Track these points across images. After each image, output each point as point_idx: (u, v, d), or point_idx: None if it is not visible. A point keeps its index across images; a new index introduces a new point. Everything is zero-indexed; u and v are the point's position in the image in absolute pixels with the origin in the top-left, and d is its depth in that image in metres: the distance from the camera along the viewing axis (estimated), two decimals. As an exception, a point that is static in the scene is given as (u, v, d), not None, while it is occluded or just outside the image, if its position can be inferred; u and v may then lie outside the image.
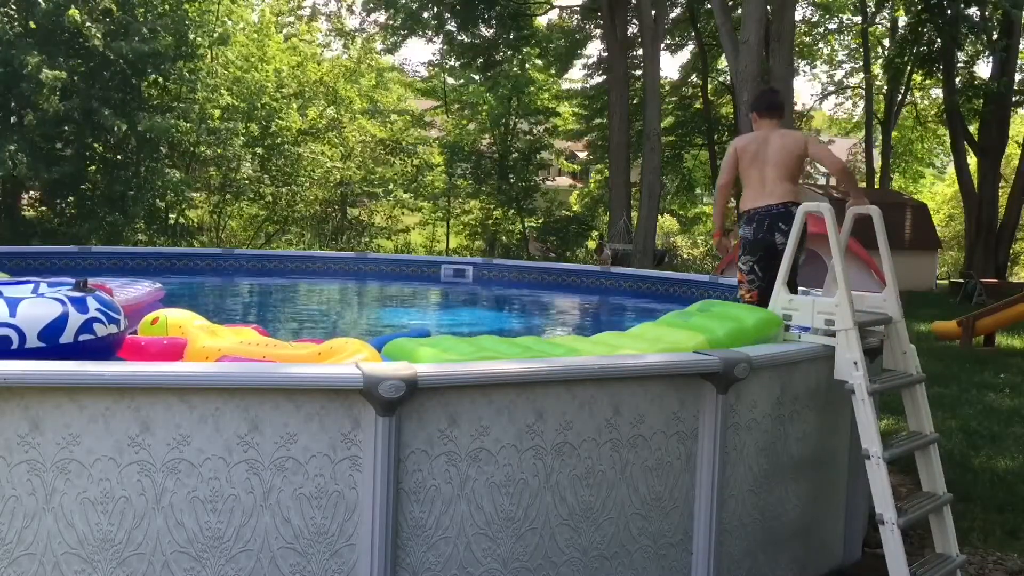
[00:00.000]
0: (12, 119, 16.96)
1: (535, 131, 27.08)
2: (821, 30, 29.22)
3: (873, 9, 26.41)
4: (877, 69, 25.99)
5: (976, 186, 22.16)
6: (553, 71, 28.19)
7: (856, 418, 3.39)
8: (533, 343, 3.63)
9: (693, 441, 3.15)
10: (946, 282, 21.11)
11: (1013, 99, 21.90)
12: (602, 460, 2.97)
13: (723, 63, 24.73)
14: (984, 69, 23.29)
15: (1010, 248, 23.45)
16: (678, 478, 3.13)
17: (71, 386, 2.47)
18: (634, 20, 22.48)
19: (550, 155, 29.07)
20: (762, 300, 4.43)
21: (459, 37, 26.33)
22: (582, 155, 32.93)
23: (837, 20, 28.64)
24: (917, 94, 28.47)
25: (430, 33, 26.05)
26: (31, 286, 3.28)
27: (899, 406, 4.19)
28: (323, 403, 2.60)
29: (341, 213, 25.23)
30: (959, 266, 24.75)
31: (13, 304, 2.88)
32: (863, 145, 30.76)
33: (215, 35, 18.94)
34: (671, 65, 69.72)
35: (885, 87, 26.44)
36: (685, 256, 28.08)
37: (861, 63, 27.83)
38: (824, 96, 39.01)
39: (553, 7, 26.79)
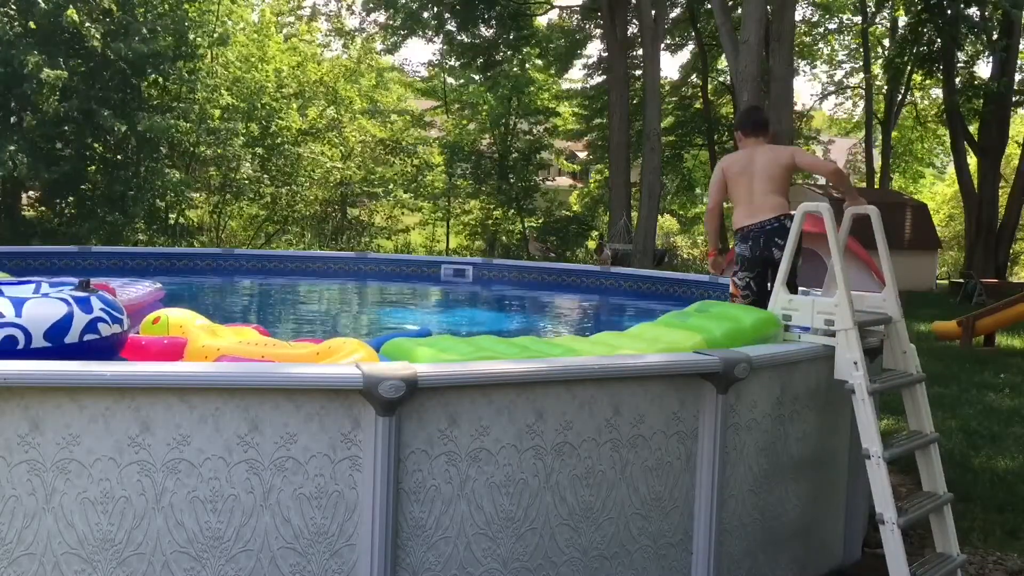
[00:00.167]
0: (12, 119, 16.96)
1: (535, 131, 27.08)
2: (821, 30, 29.23)
3: (873, 9, 26.41)
4: (877, 69, 26.00)
5: (976, 186, 22.16)
6: (553, 71, 28.19)
7: (856, 418, 3.39)
8: (531, 343, 3.63)
9: (693, 441, 3.15)
10: (946, 282, 21.11)
11: (1013, 99, 21.90)
12: (602, 460, 2.97)
13: (723, 63, 24.74)
14: (984, 69, 23.32)
15: (1010, 248, 23.45)
16: (678, 478, 3.13)
17: (71, 386, 2.47)
18: (634, 20, 22.48)
19: (550, 155, 29.08)
20: None
21: (459, 37, 26.33)
22: (582, 155, 32.94)
23: (837, 20, 28.66)
24: (917, 94, 28.47)
25: (430, 33, 26.05)
26: (32, 286, 3.28)
27: (899, 406, 4.19)
28: (323, 403, 2.60)
29: (341, 213, 25.23)
30: (959, 266, 24.75)
31: (19, 304, 2.89)
32: (863, 145, 30.77)
33: (215, 35, 18.95)
34: (671, 65, 69.80)
35: (885, 87, 26.44)
36: (685, 256, 28.10)
37: (861, 63, 27.84)
38: (824, 96, 39.05)
39: (553, 7, 26.80)
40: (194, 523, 2.54)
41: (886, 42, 27.65)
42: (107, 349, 3.08)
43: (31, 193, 19.11)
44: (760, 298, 4.41)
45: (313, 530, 2.62)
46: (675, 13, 26.38)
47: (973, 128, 22.90)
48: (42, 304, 2.95)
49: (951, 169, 29.52)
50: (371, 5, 25.76)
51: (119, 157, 18.21)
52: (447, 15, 25.24)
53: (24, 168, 15.56)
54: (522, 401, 2.82)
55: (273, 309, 8.89)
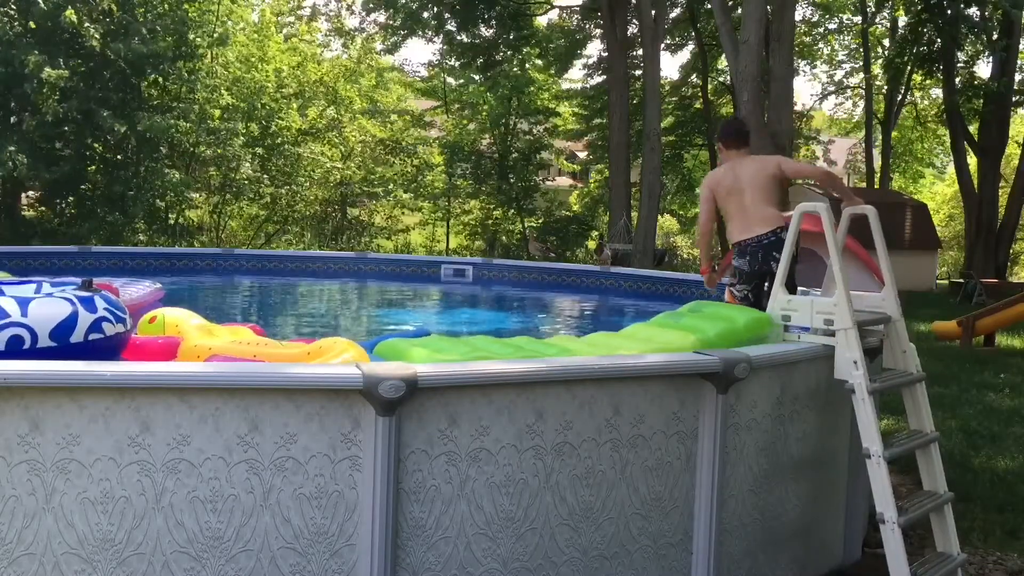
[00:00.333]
0: (12, 119, 16.96)
1: (535, 131, 27.08)
2: (821, 30, 29.22)
3: (873, 9, 26.41)
4: (877, 69, 25.99)
5: (976, 186, 22.16)
6: (553, 71, 28.18)
7: (856, 417, 3.39)
8: (525, 343, 3.64)
9: (693, 441, 3.15)
10: (946, 282, 21.11)
11: (1013, 99, 21.90)
12: (602, 460, 2.97)
13: (723, 63, 24.73)
14: (984, 69, 23.32)
15: (1010, 248, 23.45)
16: (678, 478, 3.13)
17: (71, 386, 2.47)
18: (634, 20, 22.47)
19: (550, 155, 29.07)
20: None
21: (459, 37, 26.32)
22: (582, 155, 32.93)
23: (837, 20, 28.65)
24: (917, 94, 28.47)
25: (430, 33, 26.04)
26: (33, 286, 3.29)
27: (899, 406, 4.19)
28: (323, 403, 2.60)
29: (341, 213, 25.23)
30: (959, 266, 24.75)
31: (24, 304, 2.91)
32: (863, 145, 30.76)
33: (215, 35, 18.95)
34: (671, 65, 69.77)
35: (885, 87, 26.44)
36: (685, 256, 28.11)
37: (861, 63, 27.84)
38: (824, 96, 39.07)
39: (553, 7, 26.79)
40: (194, 523, 2.54)
41: (886, 42, 27.65)
42: (111, 349, 3.10)
43: (31, 193, 19.11)
44: (759, 308, 4.41)
45: (313, 530, 2.62)
46: (675, 13, 26.37)
47: (973, 128, 22.90)
48: (48, 304, 2.97)
49: (951, 169, 29.52)
50: (371, 5, 25.74)
51: (119, 157, 18.21)
52: (447, 15, 25.23)
53: (24, 168, 15.56)
54: (522, 401, 2.82)
55: (273, 309, 8.89)
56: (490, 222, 26.70)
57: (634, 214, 21.07)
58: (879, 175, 26.86)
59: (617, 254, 18.57)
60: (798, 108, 27.57)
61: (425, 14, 25.21)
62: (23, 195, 18.92)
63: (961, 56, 22.71)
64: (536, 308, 9.70)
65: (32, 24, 15.93)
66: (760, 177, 4.57)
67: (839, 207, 4.21)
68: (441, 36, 26.20)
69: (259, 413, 2.57)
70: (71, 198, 17.91)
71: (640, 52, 23.11)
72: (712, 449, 3.14)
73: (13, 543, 2.48)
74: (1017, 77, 22.11)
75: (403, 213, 26.72)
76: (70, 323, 2.94)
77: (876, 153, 27.52)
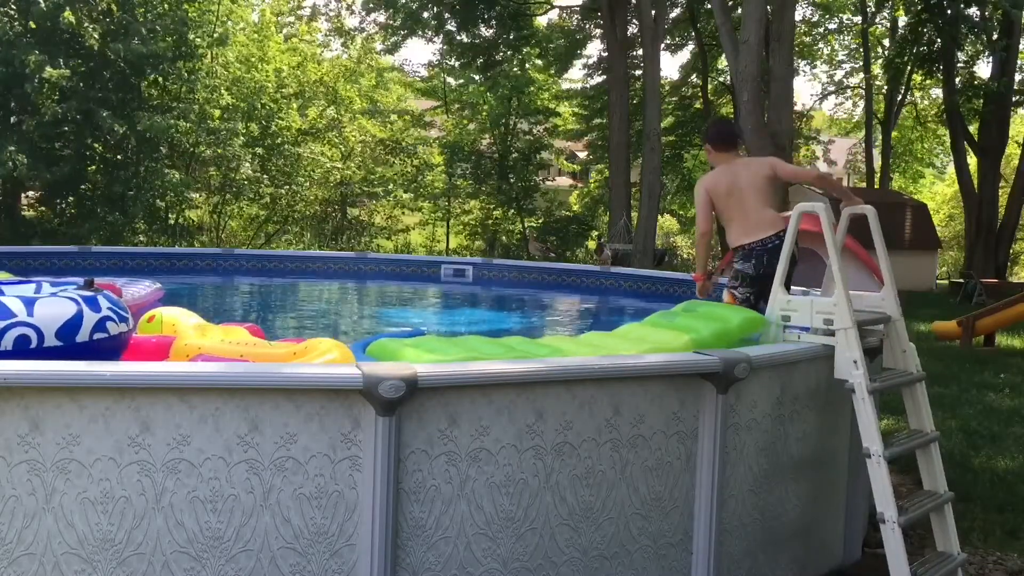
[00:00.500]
0: (12, 119, 16.97)
1: (535, 131, 27.09)
2: (821, 30, 29.23)
3: (873, 9, 26.42)
4: (877, 69, 26.00)
5: (976, 186, 22.17)
6: (553, 71, 28.19)
7: (856, 417, 3.38)
8: (518, 343, 3.64)
9: (693, 441, 3.15)
10: (946, 282, 21.12)
11: (1013, 99, 21.91)
12: (602, 460, 2.97)
13: (723, 63, 24.74)
14: (984, 69, 23.33)
15: (1010, 248, 23.46)
16: (678, 478, 3.13)
17: (71, 386, 2.47)
18: (634, 20, 22.48)
19: (550, 155, 29.08)
20: None
21: (459, 37, 26.33)
22: (582, 155, 32.94)
23: (837, 20, 28.66)
24: (917, 94, 28.47)
25: (430, 33, 26.05)
26: (33, 286, 3.29)
27: (899, 405, 4.19)
28: (323, 403, 2.60)
29: (341, 213, 25.25)
30: (959, 266, 24.76)
31: (30, 304, 2.92)
32: (863, 145, 30.76)
33: (215, 35, 18.95)
34: (671, 65, 69.82)
35: (885, 87, 26.45)
36: (685, 256, 28.13)
37: (861, 63, 27.84)
38: (824, 96, 39.06)
39: (553, 7, 26.80)
40: (194, 523, 2.54)
41: (886, 42, 27.65)
42: (115, 348, 3.12)
43: (31, 193, 19.13)
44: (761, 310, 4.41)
45: (313, 530, 2.62)
46: (675, 13, 26.38)
47: (973, 128, 22.91)
48: (53, 303, 2.98)
49: (951, 169, 29.53)
50: (371, 5, 25.75)
51: (119, 157, 18.22)
52: (447, 15, 25.24)
53: (24, 168, 15.57)
54: (522, 401, 2.82)
55: (272, 309, 8.89)
56: (490, 222, 26.71)
57: (634, 214, 21.08)
58: (879, 175, 26.87)
59: (617, 254, 18.58)
60: (798, 108, 27.57)
61: (425, 14, 25.22)
62: (23, 195, 18.93)
63: (961, 56, 22.72)
64: (536, 308, 9.70)
65: (32, 24, 15.94)
66: (758, 179, 4.55)
67: (839, 207, 4.21)
68: (441, 36, 26.22)
69: (259, 413, 2.57)
70: (71, 198, 17.92)
71: (640, 52, 23.12)
72: (712, 449, 3.14)
73: (13, 543, 2.48)
74: (1017, 77, 22.13)
75: (403, 213, 26.74)
76: (75, 322, 2.96)
77: (876, 153, 27.53)
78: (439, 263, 11.21)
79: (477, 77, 26.77)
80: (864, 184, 29.58)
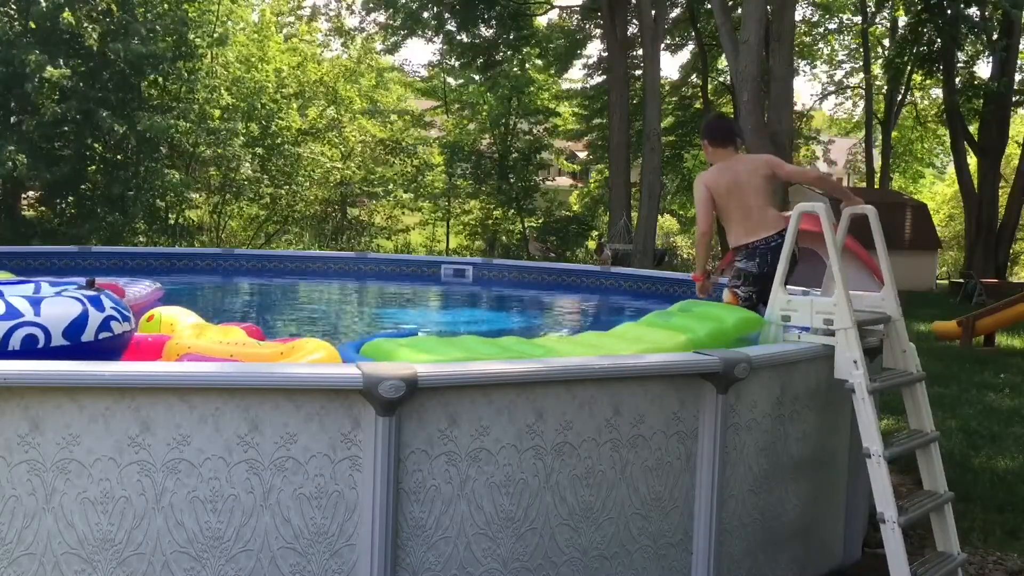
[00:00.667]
0: (12, 119, 16.98)
1: (535, 131, 27.10)
2: (821, 30, 29.23)
3: (873, 9, 26.42)
4: (877, 69, 26.00)
5: (976, 186, 22.17)
6: (553, 71, 28.19)
7: (856, 417, 3.38)
8: (513, 343, 3.63)
9: (693, 441, 3.15)
10: (946, 282, 21.12)
11: (1013, 99, 21.91)
12: (602, 460, 2.97)
13: (723, 63, 24.74)
14: (984, 69, 23.34)
15: (1010, 248, 23.46)
16: (678, 478, 3.13)
17: (71, 386, 2.47)
18: (634, 20, 22.49)
19: (550, 155, 29.09)
20: None
21: (459, 37, 26.34)
22: (582, 155, 32.95)
23: (837, 20, 28.66)
24: (917, 94, 28.48)
25: (430, 33, 26.06)
26: (32, 286, 3.30)
27: (899, 405, 4.19)
28: (323, 403, 2.60)
29: (341, 213, 25.26)
30: (959, 266, 24.76)
31: (36, 303, 2.95)
32: (863, 145, 30.77)
33: (215, 35, 18.96)
34: (671, 65, 69.83)
35: (885, 87, 26.45)
36: (685, 256, 28.13)
37: (861, 63, 27.85)
38: (824, 96, 39.05)
39: (553, 7, 26.80)
40: (194, 523, 2.54)
41: (886, 42, 27.65)
42: (119, 347, 3.15)
43: (31, 193, 19.14)
44: (759, 307, 4.40)
45: (313, 530, 2.62)
46: (675, 13, 26.39)
47: (973, 128, 22.91)
48: (59, 303, 3.02)
49: (951, 169, 29.53)
50: (371, 5, 25.76)
51: (119, 157, 18.23)
52: (447, 15, 25.24)
53: (24, 168, 15.57)
54: (522, 401, 2.82)
55: (272, 309, 8.88)
56: (490, 222, 26.72)
57: (634, 214, 21.08)
58: (879, 175, 26.87)
59: (617, 254, 18.59)
60: (798, 108, 27.58)
61: (425, 14, 25.22)
62: (23, 195, 18.94)
63: (961, 56, 22.73)
64: (536, 308, 9.70)
65: (32, 24, 15.95)
66: (758, 178, 4.54)
67: (839, 207, 4.21)
68: (441, 36, 26.22)
69: (259, 413, 2.57)
70: (71, 198, 17.92)
71: (640, 52, 23.12)
72: (712, 449, 3.14)
73: (13, 543, 2.48)
74: (1017, 77, 22.14)
75: (403, 213, 26.76)
76: (81, 322, 2.99)
77: (876, 153, 27.53)
78: (439, 263, 11.20)
79: (477, 77, 26.78)
80: (864, 184, 29.58)
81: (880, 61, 26.03)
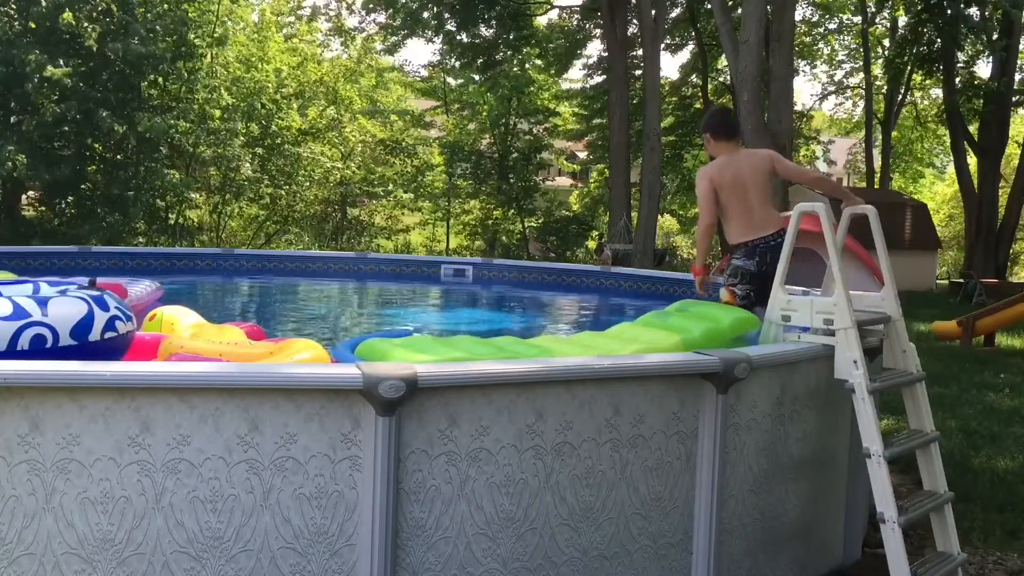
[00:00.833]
0: (12, 119, 16.98)
1: (535, 131, 27.10)
2: (821, 30, 29.23)
3: (873, 9, 26.42)
4: (877, 69, 26.00)
5: (976, 186, 22.17)
6: (553, 71, 28.19)
7: (856, 417, 3.38)
8: (508, 343, 3.63)
9: (693, 441, 3.15)
10: (946, 282, 21.11)
11: (1013, 99, 21.91)
12: (602, 460, 2.97)
13: (723, 63, 24.73)
14: (984, 69, 23.34)
15: (1010, 248, 23.46)
16: (678, 478, 3.13)
17: (71, 386, 2.47)
18: (634, 20, 22.48)
19: (550, 155, 29.10)
20: None
21: (459, 37, 26.33)
22: (582, 155, 32.95)
23: (837, 20, 28.66)
24: (917, 94, 28.49)
25: (430, 33, 26.06)
26: (31, 286, 3.31)
27: (899, 406, 4.19)
28: (323, 403, 2.60)
29: (341, 213, 25.26)
30: (959, 266, 24.76)
31: (43, 303, 2.97)
32: (863, 145, 30.77)
33: (214, 35, 18.96)
34: (671, 65, 69.82)
35: (885, 87, 26.45)
36: (685, 256, 28.15)
37: (861, 63, 27.85)
38: (824, 96, 39.03)
39: (553, 7, 26.80)
40: (194, 523, 2.54)
41: (886, 42, 27.65)
42: (123, 347, 3.16)
43: (31, 193, 19.14)
44: (756, 305, 4.40)
45: (313, 530, 2.62)
46: (675, 13, 26.38)
47: (973, 128, 22.91)
48: (66, 303, 3.04)
49: (951, 169, 29.54)
50: (371, 5, 25.74)
51: (119, 157, 18.23)
52: (447, 15, 25.23)
53: (24, 168, 15.57)
54: (522, 401, 2.82)
55: (272, 309, 8.88)
56: (490, 222, 26.73)
57: (634, 214, 21.08)
58: (879, 175, 26.87)
59: (617, 254, 18.59)
60: (798, 108, 27.57)
61: (425, 14, 25.20)
62: (23, 195, 18.94)
63: (961, 56, 22.72)
64: (536, 308, 9.69)
65: (32, 24, 15.95)
66: (759, 175, 4.54)
67: (839, 207, 4.21)
68: (441, 36, 26.20)
69: (259, 413, 2.57)
70: (71, 198, 17.91)
71: (640, 52, 23.12)
72: (712, 449, 3.14)
73: (13, 543, 2.48)
74: (1017, 77, 22.14)
75: (403, 213, 26.77)
76: (88, 322, 3.01)
77: (876, 153, 27.53)
78: (439, 263, 11.20)
79: (477, 77, 26.78)
80: (864, 184, 29.58)
81: (880, 61, 26.03)
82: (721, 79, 27.59)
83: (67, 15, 15.58)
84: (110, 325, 3.08)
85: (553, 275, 10.50)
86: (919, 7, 21.40)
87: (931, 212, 23.98)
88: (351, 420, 2.61)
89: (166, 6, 17.82)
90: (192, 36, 18.11)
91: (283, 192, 22.30)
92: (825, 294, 4.76)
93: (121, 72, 17.09)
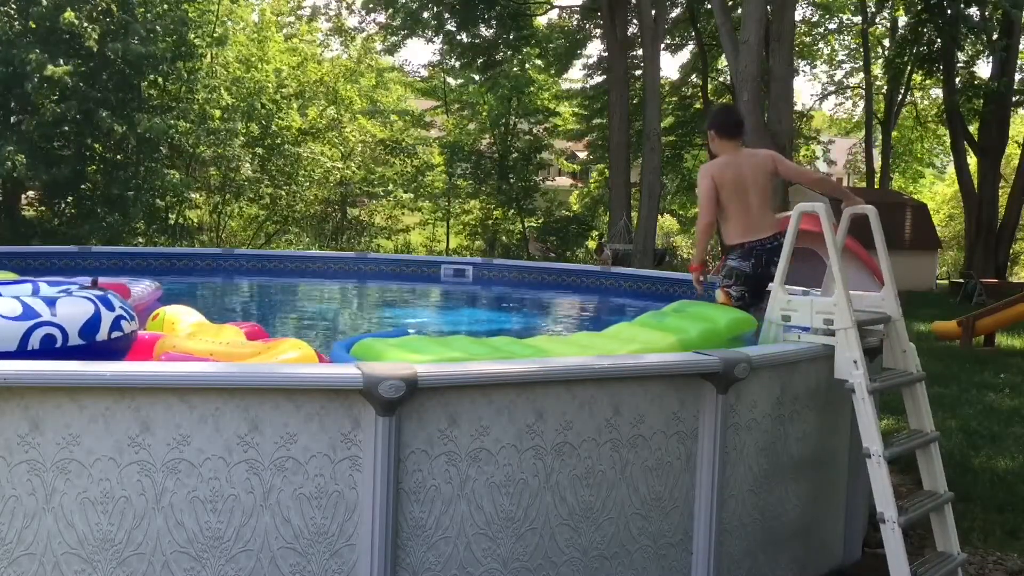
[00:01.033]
0: (12, 119, 16.98)
1: (535, 131, 27.10)
2: (821, 30, 29.23)
3: (873, 9, 26.42)
4: (877, 69, 26.00)
5: (976, 186, 22.17)
6: (553, 71, 28.19)
7: (856, 417, 3.38)
8: (504, 343, 3.63)
9: (693, 441, 3.15)
10: (946, 282, 21.11)
11: (1013, 99, 21.91)
12: (602, 460, 2.97)
13: (723, 63, 24.74)
14: (984, 69, 23.34)
15: (1010, 248, 23.47)
16: (678, 478, 3.13)
17: (71, 386, 2.47)
18: (634, 20, 22.48)
19: (550, 155, 29.10)
20: None
21: (459, 37, 26.32)
22: (582, 155, 32.95)
23: (837, 20, 28.66)
24: (917, 94, 28.49)
25: (430, 33, 26.05)
26: (30, 286, 3.31)
27: (899, 406, 4.19)
28: (323, 403, 2.60)
29: (341, 213, 25.26)
30: (959, 266, 24.76)
31: (51, 303, 2.99)
32: (863, 145, 30.77)
33: (214, 35, 18.96)
34: (671, 65, 69.80)
35: (885, 87, 26.45)
36: (685, 256, 28.12)
37: (861, 63, 27.85)
38: (824, 96, 39.03)
39: (553, 7, 26.80)
40: (194, 523, 2.54)
41: (886, 42, 27.65)
42: (128, 346, 3.19)
43: (31, 193, 19.14)
44: (753, 307, 4.40)
45: (313, 530, 2.62)
46: (675, 13, 26.37)
47: (973, 128, 22.91)
48: (73, 303, 3.06)
49: (951, 169, 29.54)
50: (371, 5, 25.74)
51: (119, 157, 18.23)
52: (447, 15, 25.23)
53: (24, 168, 15.57)
54: (522, 401, 2.82)
55: (272, 309, 8.88)
56: (490, 222, 26.74)
57: (634, 214, 21.08)
58: (879, 175, 26.88)
59: (617, 254, 18.59)
60: (798, 108, 27.57)
61: (425, 14, 25.19)
62: (23, 195, 18.94)
63: (961, 56, 22.72)
64: (536, 308, 9.69)
65: (32, 24, 15.95)
66: (759, 176, 4.53)
67: (839, 207, 4.21)
68: (441, 36, 26.19)
69: (259, 413, 2.57)
70: (71, 198, 17.91)
71: (640, 52, 23.12)
72: (712, 449, 3.14)
73: (13, 543, 2.48)
74: (1017, 77, 22.14)
75: (403, 213, 26.77)
76: (95, 321, 3.03)
77: (876, 153, 27.54)
78: (439, 263, 11.20)
79: (477, 77, 26.77)
80: (864, 184, 29.58)
81: (880, 61, 26.03)
82: (721, 79, 27.59)
83: (68, 15, 15.57)
84: (116, 325, 3.10)
85: (553, 275, 10.50)
86: (919, 7, 21.40)
87: (931, 212, 23.99)
88: (351, 420, 2.61)
89: (166, 6, 17.81)
90: (192, 36, 18.11)
91: (283, 192, 22.30)
92: (825, 294, 4.76)
93: (121, 72, 17.09)
